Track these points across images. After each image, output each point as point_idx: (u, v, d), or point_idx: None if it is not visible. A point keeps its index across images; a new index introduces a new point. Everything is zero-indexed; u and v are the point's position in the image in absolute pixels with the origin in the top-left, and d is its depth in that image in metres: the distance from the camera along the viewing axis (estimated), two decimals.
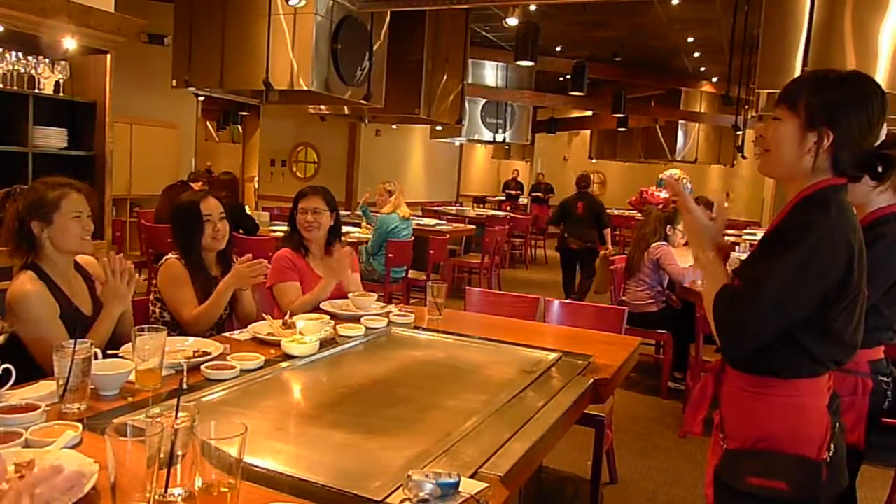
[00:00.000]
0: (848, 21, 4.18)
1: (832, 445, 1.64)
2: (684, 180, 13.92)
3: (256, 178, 11.82)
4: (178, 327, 2.73)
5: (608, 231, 8.04)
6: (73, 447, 1.47)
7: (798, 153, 1.64)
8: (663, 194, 11.78)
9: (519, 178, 16.90)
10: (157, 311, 2.81)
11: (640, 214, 13.60)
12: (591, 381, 2.26)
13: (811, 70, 2.78)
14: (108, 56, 4.44)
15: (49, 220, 2.32)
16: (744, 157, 10.14)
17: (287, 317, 2.63)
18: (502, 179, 17.97)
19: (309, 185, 3.39)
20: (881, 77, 4.13)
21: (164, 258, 2.85)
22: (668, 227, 5.15)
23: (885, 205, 2.36)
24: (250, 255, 2.78)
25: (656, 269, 4.99)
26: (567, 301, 3.65)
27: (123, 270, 2.33)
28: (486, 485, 1.44)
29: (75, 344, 1.69)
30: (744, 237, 8.12)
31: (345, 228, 6.91)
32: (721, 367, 1.82)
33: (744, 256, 2.03)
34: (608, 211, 9.16)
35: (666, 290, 5.12)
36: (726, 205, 1.91)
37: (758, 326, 1.57)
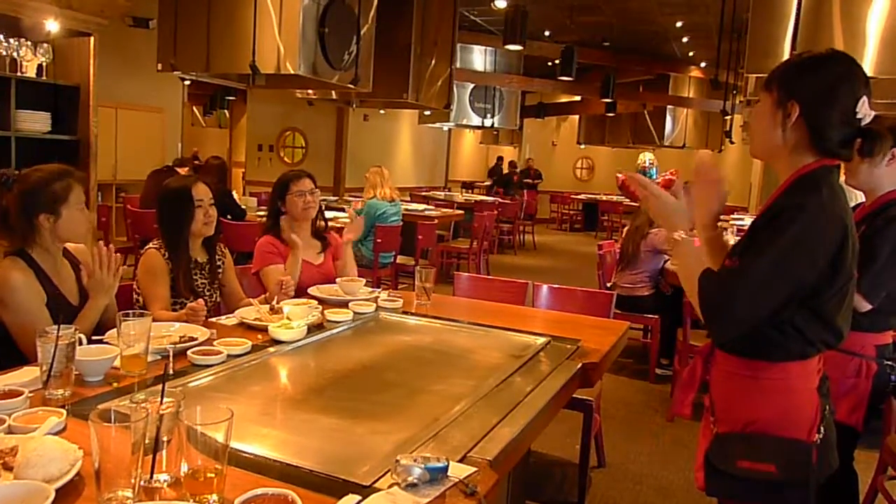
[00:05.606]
0: (836, 5, 4.17)
1: (822, 427, 1.65)
2: (651, 164, 14.05)
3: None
4: None
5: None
6: (56, 433, 1.46)
7: (770, 128, 1.67)
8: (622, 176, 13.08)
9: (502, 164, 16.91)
10: (142, 299, 2.78)
11: (626, 199, 13.76)
12: (580, 365, 2.26)
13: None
14: (92, 39, 4.38)
15: (58, 214, 2.28)
16: (731, 143, 10.16)
17: (274, 302, 2.61)
18: (490, 165, 17.95)
19: (292, 170, 3.36)
20: (869, 61, 4.13)
21: (146, 247, 2.81)
22: None
23: (893, 188, 2.37)
24: (201, 300, 2.56)
25: (655, 254, 5.02)
26: (556, 286, 3.65)
27: (111, 262, 2.29)
28: (474, 469, 1.44)
29: (59, 329, 1.66)
30: (731, 222, 8.15)
31: (332, 214, 6.91)
32: (710, 351, 1.82)
33: (733, 241, 2.02)
34: (596, 196, 15.65)
35: (658, 275, 5.14)
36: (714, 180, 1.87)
37: (747, 307, 1.56)
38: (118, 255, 2.35)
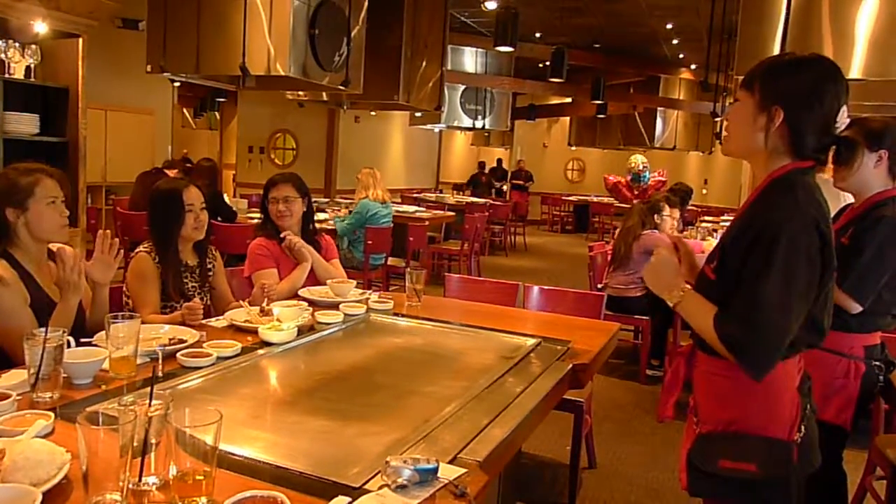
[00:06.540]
0: (825, 7, 4.19)
1: (803, 426, 1.65)
2: (644, 168, 14.12)
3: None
4: None
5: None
6: (45, 436, 1.45)
7: (751, 131, 1.66)
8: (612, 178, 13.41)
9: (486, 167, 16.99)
10: (132, 302, 2.76)
11: (616, 200, 13.75)
12: (570, 366, 2.26)
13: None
14: (80, 40, 4.36)
15: (24, 207, 2.27)
16: (721, 145, 10.20)
17: (265, 303, 2.60)
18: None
19: (278, 173, 3.34)
20: (857, 64, 4.15)
21: (136, 250, 2.79)
22: (655, 215, 5.18)
23: (881, 189, 2.39)
24: (197, 300, 2.66)
25: (648, 256, 5.02)
26: (546, 288, 3.65)
27: (75, 262, 2.25)
28: (464, 470, 1.44)
29: (46, 332, 1.66)
30: (721, 223, 8.18)
31: (322, 216, 6.90)
32: (692, 352, 1.83)
33: None
34: (587, 197, 15.89)
35: None
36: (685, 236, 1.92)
37: (773, 332, 1.55)
38: (115, 240, 2.37)
